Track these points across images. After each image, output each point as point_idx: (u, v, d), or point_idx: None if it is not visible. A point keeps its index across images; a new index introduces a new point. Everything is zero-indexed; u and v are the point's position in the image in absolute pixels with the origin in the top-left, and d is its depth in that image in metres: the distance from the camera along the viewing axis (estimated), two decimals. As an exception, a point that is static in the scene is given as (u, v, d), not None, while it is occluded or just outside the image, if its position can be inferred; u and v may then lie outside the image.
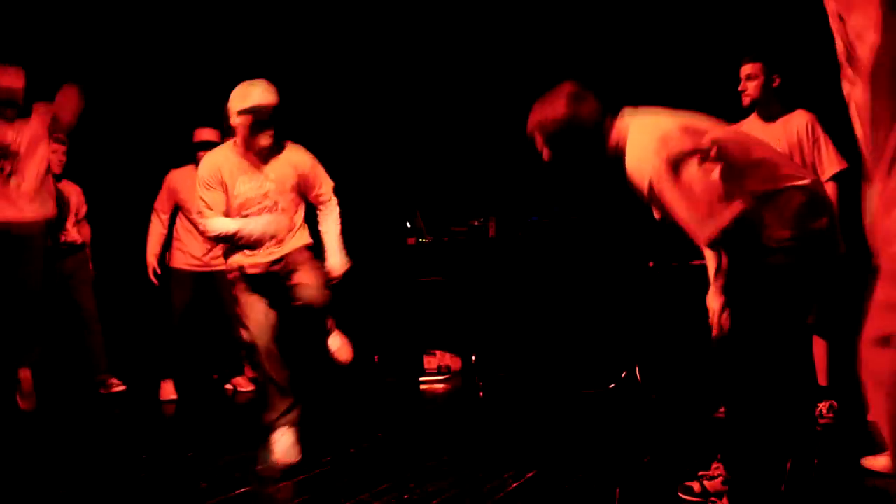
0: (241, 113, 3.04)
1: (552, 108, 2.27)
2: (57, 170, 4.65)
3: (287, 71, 5.93)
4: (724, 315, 2.19)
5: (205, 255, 4.74)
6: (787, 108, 3.54)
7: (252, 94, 3.04)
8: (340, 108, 5.99)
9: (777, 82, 3.48)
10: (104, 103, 5.32)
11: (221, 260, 3.39)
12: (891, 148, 1.06)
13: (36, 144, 4.16)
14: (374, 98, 5.96)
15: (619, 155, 2.26)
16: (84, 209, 4.86)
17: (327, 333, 3.19)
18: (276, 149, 3.14)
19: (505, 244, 4.93)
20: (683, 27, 5.00)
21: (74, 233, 4.75)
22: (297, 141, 3.27)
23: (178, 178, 4.78)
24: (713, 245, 2.11)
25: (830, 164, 3.43)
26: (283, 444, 3.05)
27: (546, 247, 4.82)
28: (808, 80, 3.92)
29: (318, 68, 6.00)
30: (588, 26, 5.31)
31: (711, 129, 2.23)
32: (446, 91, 5.78)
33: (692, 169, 2.08)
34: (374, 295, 5.81)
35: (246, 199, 3.10)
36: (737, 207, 2.02)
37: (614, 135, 2.28)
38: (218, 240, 3.19)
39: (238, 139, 3.11)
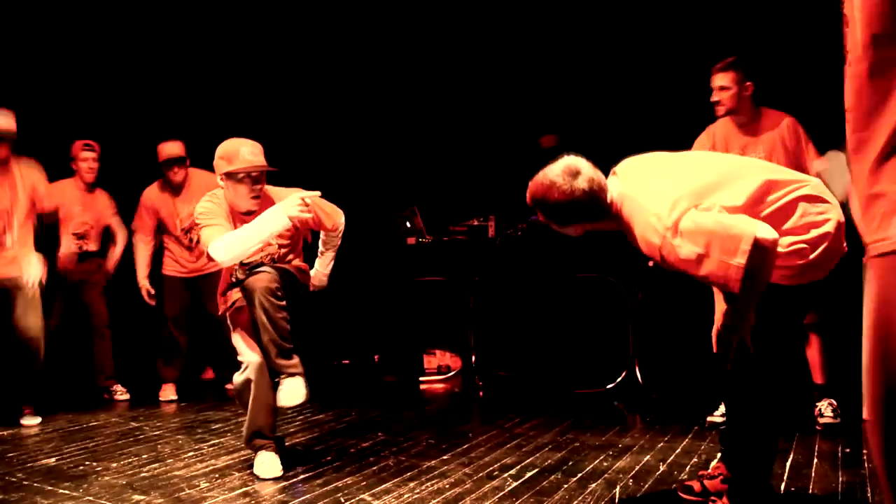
0: (226, 176, 3.00)
1: (550, 189, 2.31)
2: (89, 178, 4.67)
3: (287, 72, 5.97)
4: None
5: (191, 260, 4.75)
6: (762, 109, 3.52)
7: (239, 157, 2.96)
8: (341, 109, 5.99)
9: (750, 90, 3.45)
10: (91, 112, 5.30)
11: (210, 264, 3.34)
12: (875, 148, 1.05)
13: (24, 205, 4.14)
14: (374, 98, 5.96)
15: (619, 213, 2.32)
16: (108, 213, 4.85)
17: (285, 373, 2.93)
18: (267, 200, 3.07)
19: (505, 244, 4.92)
20: (655, 31, 5.01)
21: (94, 243, 4.76)
22: (296, 142, 3.26)
23: (153, 198, 4.76)
24: (747, 279, 2.02)
25: (811, 164, 3.42)
26: (264, 460, 3.01)
27: (546, 247, 4.81)
28: (781, 79, 3.92)
29: (318, 69, 6.00)
30: (585, 27, 5.31)
31: (701, 173, 2.25)
32: (446, 91, 5.78)
33: (689, 218, 2.10)
34: (374, 295, 5.82)
35: None
36: (750, 235, 2.00)
37: (614, 200, 2.33)
38: (236, 262, 3.00)
39: (226, 196, 3.06)
